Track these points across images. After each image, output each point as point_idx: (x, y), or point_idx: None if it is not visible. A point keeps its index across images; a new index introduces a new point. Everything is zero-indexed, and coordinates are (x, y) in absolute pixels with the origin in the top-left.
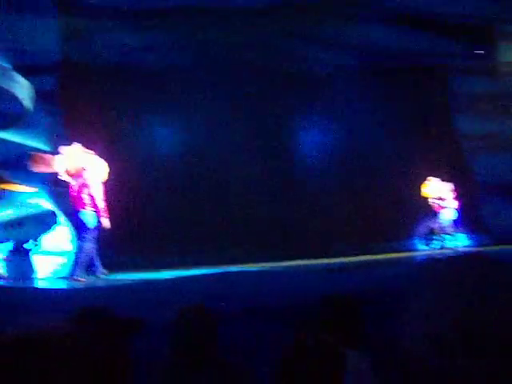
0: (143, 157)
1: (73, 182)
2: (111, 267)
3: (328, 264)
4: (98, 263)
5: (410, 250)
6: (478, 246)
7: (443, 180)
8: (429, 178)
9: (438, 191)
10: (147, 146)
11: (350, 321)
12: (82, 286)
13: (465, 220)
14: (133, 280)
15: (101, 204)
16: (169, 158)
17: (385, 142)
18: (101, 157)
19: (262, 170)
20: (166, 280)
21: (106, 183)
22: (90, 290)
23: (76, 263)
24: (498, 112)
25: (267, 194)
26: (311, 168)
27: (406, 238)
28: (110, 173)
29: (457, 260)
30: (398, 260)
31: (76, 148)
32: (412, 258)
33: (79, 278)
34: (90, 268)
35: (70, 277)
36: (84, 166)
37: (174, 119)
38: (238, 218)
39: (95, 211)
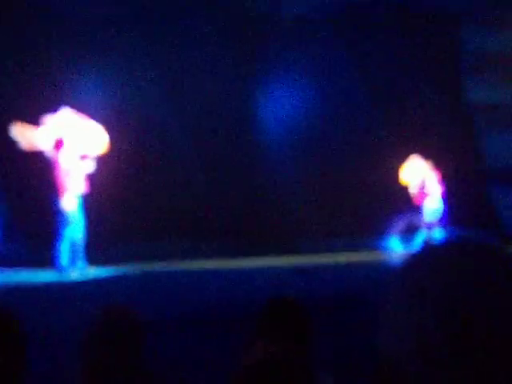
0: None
1: (60, 159)
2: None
3: (289, 264)
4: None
5: (384, 250)
6: None
7: (430, 160)
8: (411, 157)
9: (422, 175)
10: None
11: (310, 330)
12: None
13: (464, 214)
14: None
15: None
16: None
17: (365, 112)
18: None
19: (216, 148)
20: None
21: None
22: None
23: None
24: None
25: (221, 179)
26: (272, 147)
27: (381, 236)
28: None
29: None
30: (372, 261)
31: (65, 114)
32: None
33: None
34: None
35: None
36: (61, 138)
37: (112, 72)
38: (189, 207)
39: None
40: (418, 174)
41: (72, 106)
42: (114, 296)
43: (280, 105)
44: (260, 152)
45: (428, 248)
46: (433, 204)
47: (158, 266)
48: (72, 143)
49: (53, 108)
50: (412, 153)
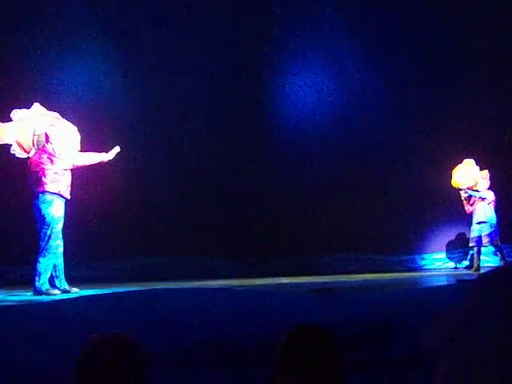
0: None
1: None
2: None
3: (313, 283)
4: (62, 274)
5: (427, 269)
6: None
7: (483, 166)
8: (466, 161)
9: (474, 180)
10: None
11: (343, 364)
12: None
13: None
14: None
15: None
16: None
17: (400, 104)
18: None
19: (228, 155)
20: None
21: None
22: None
23: (39, 273)
24: None
25: (228, 189)
26: (288, 148)
27: (423, 252)
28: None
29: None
30: (414, 281)
31: (35, 110)
32: (432, 279)
33: (51, 292)
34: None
35: (39, 291)
36: (46, 133)
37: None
38: (195, 221)
39: (61, 196)
40: (470, 179)
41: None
42: (105, 322)
43: (299, 107)
44: (276, 160)
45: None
46: (484, 214)
47: (159, 285)
48: (53, 139)
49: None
50: (465, 157)
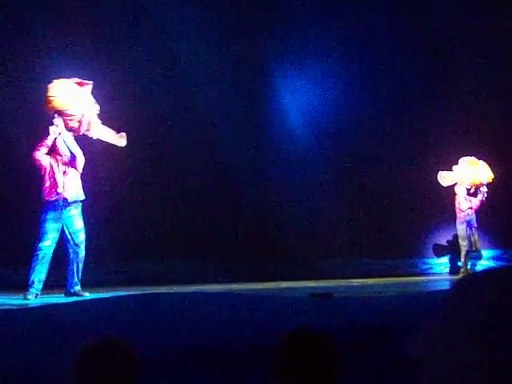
0: None
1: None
2: None
3: (313, 288)
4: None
5: (429, 273)
6: None
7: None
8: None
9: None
10: None
11: (339, 369)
12: None
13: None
14: None
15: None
16: None
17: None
18: None
19: (225, 156)
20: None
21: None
22: None
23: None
24: None
25: (232, 192)
26: (284, 152)
27: (426, 257)
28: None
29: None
30: (416, 286)
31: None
32: (434, 284)
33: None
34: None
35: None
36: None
37: None
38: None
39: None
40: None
41: None
42: (103, 327)
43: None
44: (276, 162)
45: (479, 274)
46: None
47: (158, 290)
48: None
49: None
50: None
